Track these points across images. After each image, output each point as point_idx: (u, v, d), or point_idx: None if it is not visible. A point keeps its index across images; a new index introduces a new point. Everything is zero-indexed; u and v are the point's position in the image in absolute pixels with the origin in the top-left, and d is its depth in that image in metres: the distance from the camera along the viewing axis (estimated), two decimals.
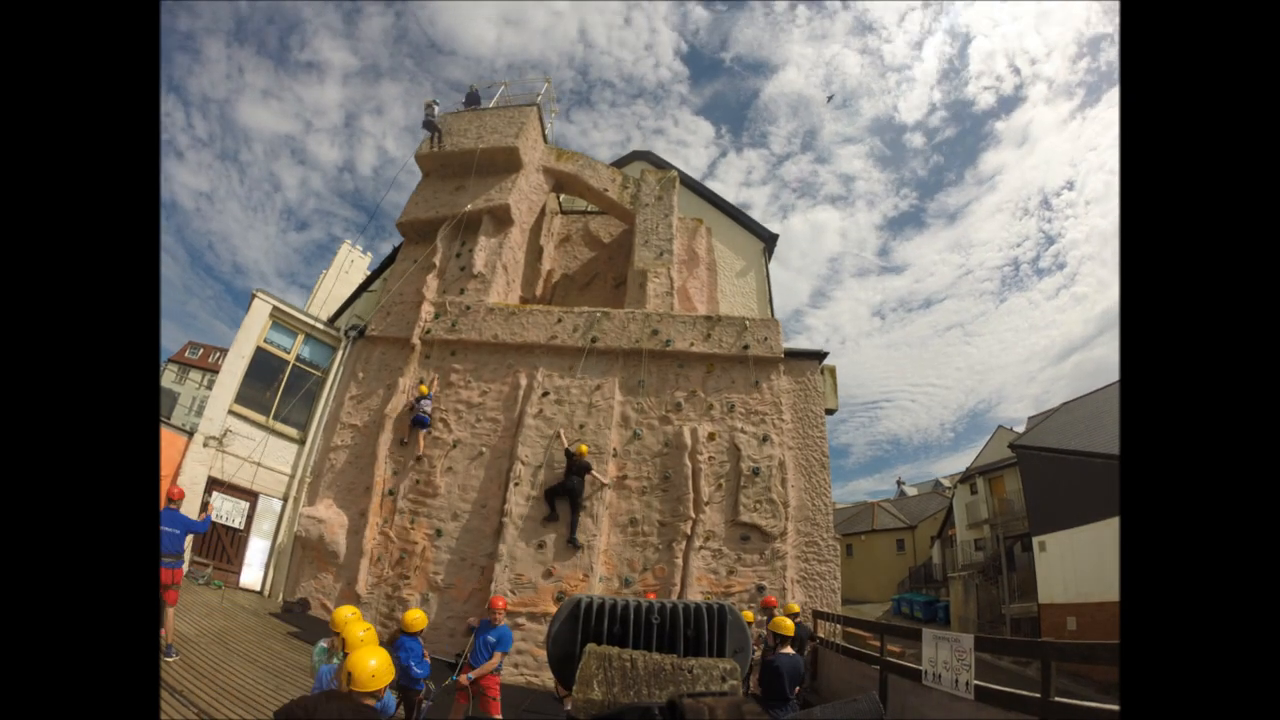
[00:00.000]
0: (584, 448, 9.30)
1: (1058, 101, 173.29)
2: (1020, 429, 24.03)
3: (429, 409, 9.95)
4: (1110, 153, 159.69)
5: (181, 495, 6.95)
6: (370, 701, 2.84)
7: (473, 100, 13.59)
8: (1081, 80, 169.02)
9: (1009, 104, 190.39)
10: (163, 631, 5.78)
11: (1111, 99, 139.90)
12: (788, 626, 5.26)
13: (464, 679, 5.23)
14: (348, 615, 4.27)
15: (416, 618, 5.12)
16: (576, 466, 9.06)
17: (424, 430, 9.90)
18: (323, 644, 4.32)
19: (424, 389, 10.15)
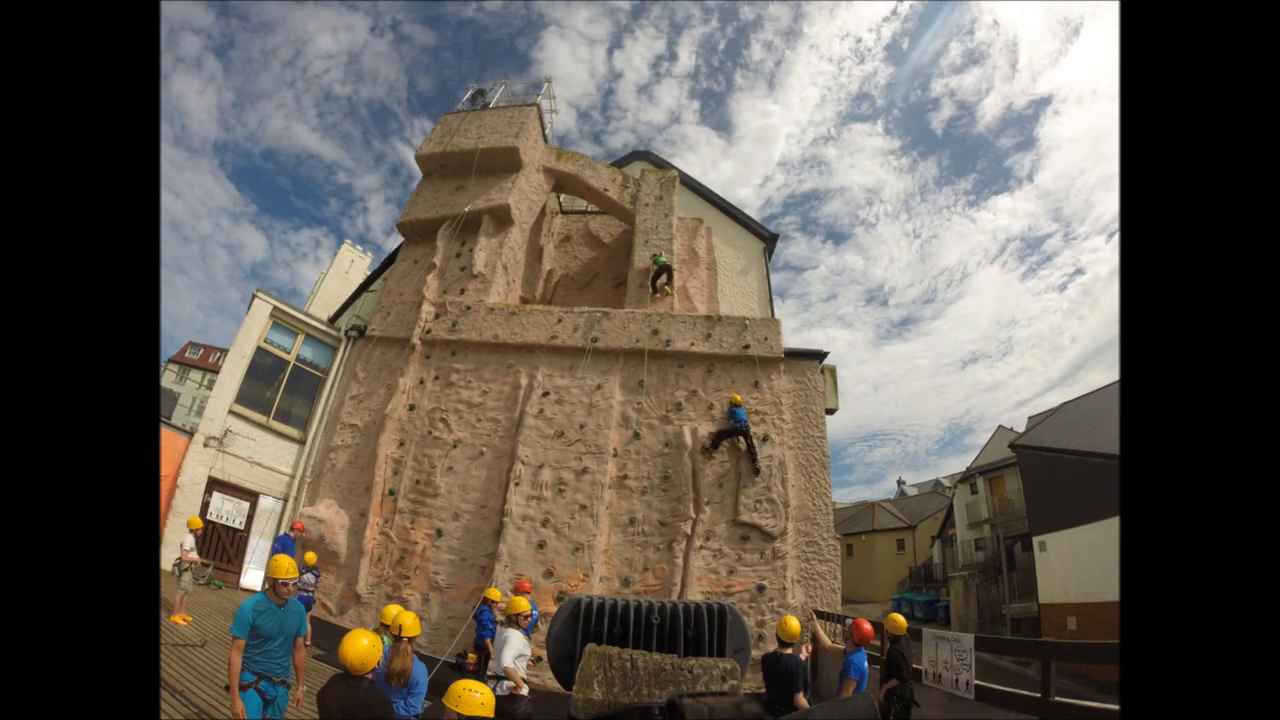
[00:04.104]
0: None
1: (1007, 274, 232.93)
2: (1020, 429, 24.03)
3: None
4: (1048, 295, 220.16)
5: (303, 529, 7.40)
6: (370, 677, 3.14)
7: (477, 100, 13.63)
8: (1023, 257, 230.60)
9: (967, 276, 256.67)
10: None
11: (1052, 264, 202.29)
12: (788, 628, 4.84)
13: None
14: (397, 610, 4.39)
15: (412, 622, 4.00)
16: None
17: None
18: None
19: None
